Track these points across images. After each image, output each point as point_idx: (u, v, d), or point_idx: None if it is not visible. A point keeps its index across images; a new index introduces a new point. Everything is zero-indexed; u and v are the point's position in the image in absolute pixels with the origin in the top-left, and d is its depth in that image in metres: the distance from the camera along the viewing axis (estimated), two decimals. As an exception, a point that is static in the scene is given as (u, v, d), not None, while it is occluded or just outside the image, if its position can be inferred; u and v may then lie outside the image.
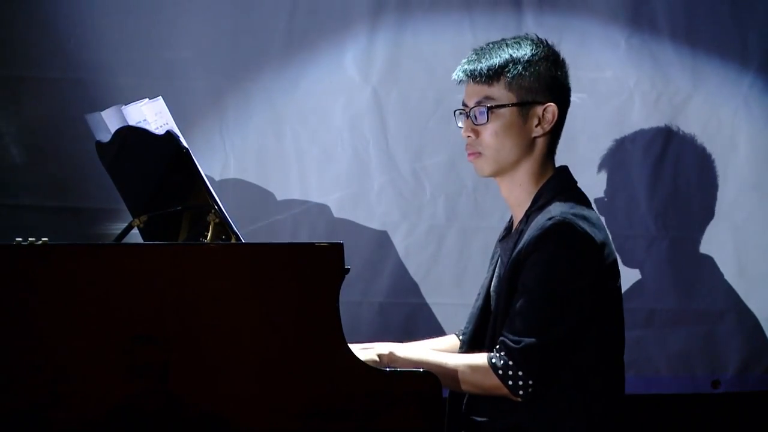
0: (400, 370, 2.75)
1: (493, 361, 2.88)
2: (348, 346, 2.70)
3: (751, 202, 4.08)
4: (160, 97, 3.19)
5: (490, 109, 3.01)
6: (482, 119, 3.02)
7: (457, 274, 4.00)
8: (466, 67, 3.05)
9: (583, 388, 2.92)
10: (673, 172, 4.07)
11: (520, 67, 3.00)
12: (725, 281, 4.08)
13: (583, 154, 4.01)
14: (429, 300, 4.02)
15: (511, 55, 3.01)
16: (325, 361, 2.68)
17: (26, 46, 3.83)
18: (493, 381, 2.88)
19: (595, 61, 4.01)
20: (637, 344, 4.03)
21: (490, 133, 3.02)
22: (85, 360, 2.65)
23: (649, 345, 4.08)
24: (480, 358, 2.92)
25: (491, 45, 3.06)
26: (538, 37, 3.08)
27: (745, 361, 4.09)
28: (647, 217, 4.07)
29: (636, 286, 4.07)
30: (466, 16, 3.99)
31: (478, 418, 3.01)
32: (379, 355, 2.91)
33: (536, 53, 3.02)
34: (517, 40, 3.06)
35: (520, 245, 2.93)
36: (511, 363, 2.86)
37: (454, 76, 3.07)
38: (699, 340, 4.09)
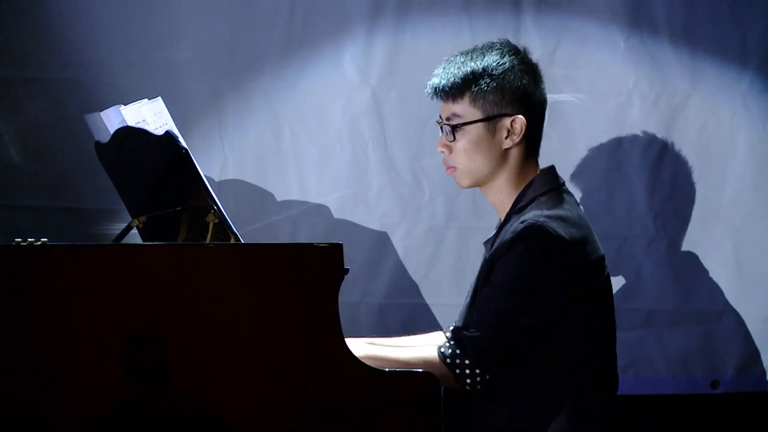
0: (398, 371, 2.75)
1: (442, 350, 2.91)
2: (348, 347, 2.70)
3: (750, 203, 4.08)
4: (159, 97, 3.19)
5: (455, 127, 3.01)
6: (450, 137, 3.03)
7: (455, 274, 4.00)
8: (432, 81, 3.05)
9: (573, 387, 2.93)
10: (671, 173, 4.07)
11: (482, 82, 2.99)
12: (724, 282, 4.08)
13: (581, 155, 4.01)
14: (428, 300, 4.03)
15: (472, 70, 3.00)
16: (325, 361, 2.68)
17: (25, 46, 3.83)
18: (441, 370, 2.89)
19: (593, 62, 4.01)
20: (636, 345, 4.03)
21: (459, 150, 3.03)
22: (84, 360, 2.65)
23: (647, 345, 4.08)
24: (431, 350, 2.94)
25: (455, 58, 3.05)
26: (508, 43, 3.07)
27: (744, 361, 4.09)
28: (646, 217, 4.07)
29: (635, 287, 4.06)
30: (465, 16, 3.99)
31: (469, 417, 3.02)
32: None
33: (501, 64, 3.00)
34: (483, 51, 3.03)
35: (494, 247, 2.96)
36: (458, 352, 2.89)
37: (426, 91, 3.07)
38: (698, 341, 4.09)
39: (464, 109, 3.01)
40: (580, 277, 2.92)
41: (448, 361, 2.89)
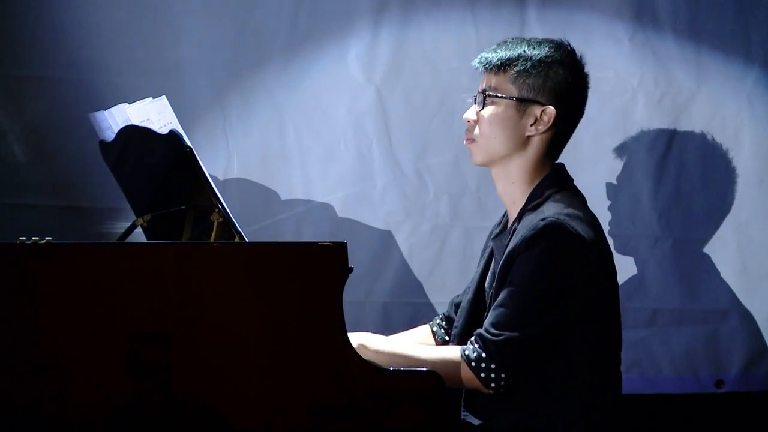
0: (403, 369, 2.75)
1: (467, 353, 2.89)
2: (352, 346, 2.70)
3: (755, 201, 4.07)
4: (164, 96, 3.20)
5: (489, 96, 3.04)
6: (480, 106, 3.05)
7: (460, 273, 3.98)
8: (483, 54, 3.09)
9: (580, 386, 2.92)
10: (676, 171, 4.07)
11: (528, 64, 3.02)
12: (729, 280, 4.07)
13: (586, 154, 4.01)
14: (433, 300, 4.02)
15: (524, 51, 3.03)
16: (329, 360, 2.68)
17: (30, 45, 3.83)
18: (465, 373, 2.90)
19: (598, 60, 3.99)
20: (641, 344, 4.03)
21: (485, 120, 3.04)
22: (88, 359, 2.65)
23: (652, 345, 4.08)
24: (453, 351, 2.93)
25: (513, 39, 3.10)
26: (568, 44, 3.09)
27: (749, 360, 4.08)
28: (651, 216, 4.07)
29: (639, 286, 4.06)
30: (469, 12, 3.99)
31: (475, 417, 3.02)
32: None
33: (551, 55, 3.03)
34: (540, 41, 3.08)
35: (513, 244, 2.94)
36: (484, 356, 2.88)
37: (474, 62, 3.10)
38: (702, 340, 4.09)
39: (503, 83, 3.04)
40: (596, 277, 2.93)
41: (473, 364, 2.88)
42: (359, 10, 3.96)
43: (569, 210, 2.94)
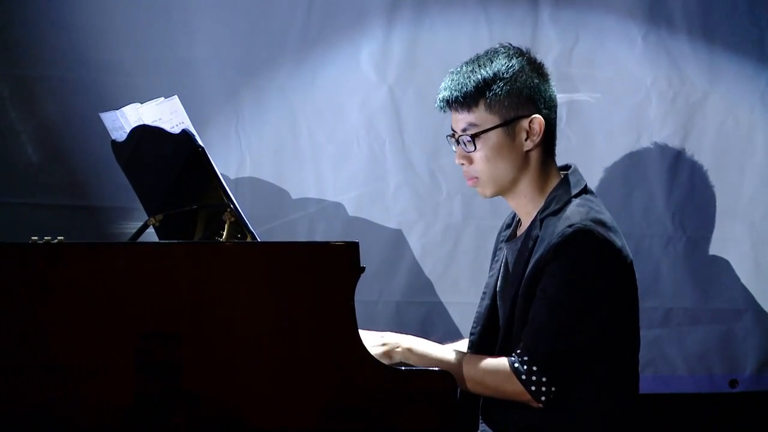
0: (415, 369, 2.75)
1: (516, 366, 2.87)
2: (364, 346, 2.70)
3: (769, 200, 4.08)
4: (176, 95, 3.19)
5: (474, 136, 2.98)
6: (470, 147, 2.99)
7: (473, 273, 3.98)
8: (443, 95, 3.01)
9: (599, 390, 2.91)
10: (690, 171, 4.06)
11: (495, 87, 2.95)
12: (743, 279, 4.07)
13: (599, 153, 4.01)
14: (445, 299, 4.02)
15: (483, 77, 2.96)
16: (341, 360, 2.68)
17: (42, 45, 3.84)
18: (515, 386, 2.87)
19: (611, 59, 4.00)
20: (655, 343, 4.02)
21: (480, 158, 2.99)
22: (100, 359, 2.65)
23: (666, 344, 4.07)
24: (502, 362, 2.90)
25: (463, 68, 3.01)
26: (511, 46, 3.04)
27: (763, 360, 4.07)
28: (664, 216, 4.06)
29: (653, 286, 4.05)
30: (482, 12, 3.98)
31: (493, 420, 3.01)
32: (392, 350, 2.91)
33: (510, 67, 2.97)
34: (490, 57, 3.00)
35: (540, 252, 2.91)
36: (535, 369, 2.85)
37: (436, 105, 3.03)
38: (716, 340, 4.08)
39: (481, 117, 2.97)
40: (622, 282, 2.92)
41: (524, 377, 2.86)
42: (372, 9, 3.96)
43: (594, 215, 2.91)
